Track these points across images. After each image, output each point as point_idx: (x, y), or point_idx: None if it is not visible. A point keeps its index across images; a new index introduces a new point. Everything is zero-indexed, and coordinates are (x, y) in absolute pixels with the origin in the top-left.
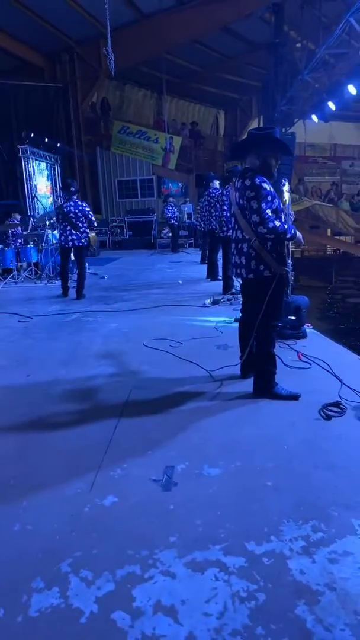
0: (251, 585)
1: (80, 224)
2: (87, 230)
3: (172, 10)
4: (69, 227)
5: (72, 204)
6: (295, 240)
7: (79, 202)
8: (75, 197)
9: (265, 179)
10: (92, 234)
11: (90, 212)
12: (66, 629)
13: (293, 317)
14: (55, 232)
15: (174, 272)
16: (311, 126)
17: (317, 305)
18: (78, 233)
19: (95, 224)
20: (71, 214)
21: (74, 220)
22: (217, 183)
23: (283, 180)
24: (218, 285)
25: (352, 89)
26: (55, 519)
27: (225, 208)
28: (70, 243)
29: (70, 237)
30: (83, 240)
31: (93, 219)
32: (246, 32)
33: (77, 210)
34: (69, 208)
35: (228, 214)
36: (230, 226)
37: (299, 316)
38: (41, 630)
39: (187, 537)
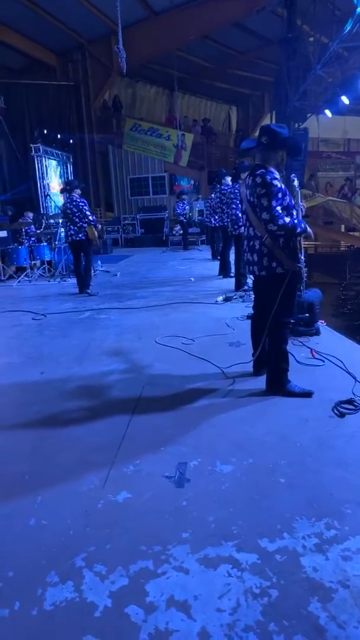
0: (264, 582)
1: (77, 219)
2: (85, 225)
3: (184, 7)
4: (68, 223)
5: (69, 200)
6: (306, 234)
7: (75, 197)
8: (74, 193)
9: (276, 176)
10: (90, 229)
11: (86, 207)
12: (80, 622)
13: (306, 315)
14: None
15: (186, 269)
16: (324, 121)
17: (331, 301)
18: (75, 228)
19: (91, 217)
20: (68, 210)
21: (70, 215)
22: (228, 180)
23: (292, 176)
24: (230, 283)
25: None
26: (69, 514)
27: (235, 206)
28: (70, 238)
29: (69, 233)
30: (80, 235)
31: (88, 213)
32: (258, 27)
33: (71, 206)
34: (66, 205)
35: (238, 212)
36: (240, 223)
37: (312, 313)
38: (56, 623)
39: (200, 533)
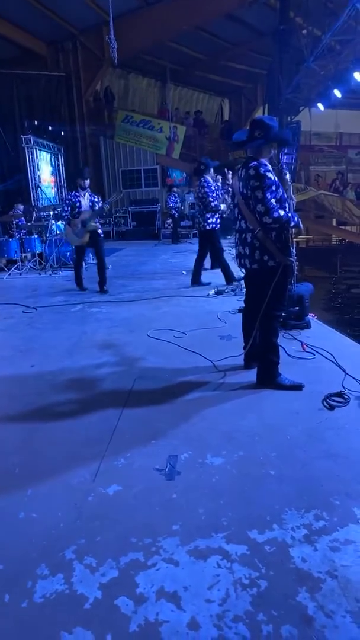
0: (253, 573)
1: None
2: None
3: None
4: None
5: None
6: (297, 227)
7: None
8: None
9: (270, 169)
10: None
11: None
12: (71, 614)
13: (297, 308)
14: (60, 222)
15: (178, 262)
16: (317, 114)
17: (322, 295)
18: None
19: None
20: None
21: None
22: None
23: (284, 170)
24: (222, 276)
25: (358, 76)
26: (59, 507)
27: (200, 203)
28: None
29: None
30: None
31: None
32: (251, 18)
33: None
34: None
35: (201, 207)
36: (206, 220)
37: (302, 307)
38: (46, 615)
39: (190, 525)
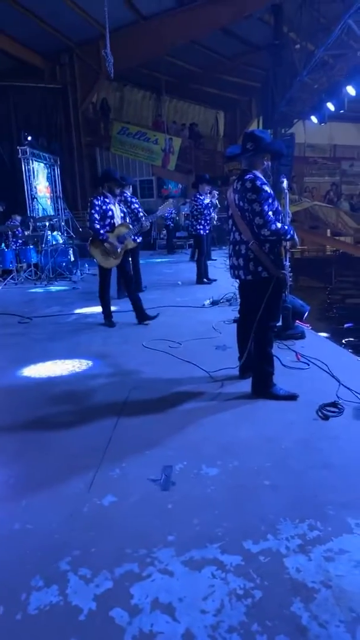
0: (248, 583)
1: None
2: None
3: (172, 12)
4: None
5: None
6: (293, 241)
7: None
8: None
9: (266, 181)
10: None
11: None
12: (65, 626)
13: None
14: (55, 233)
15: (173, 273)
16: (311, 127)
17: (317, 305)
18: None
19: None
20: None
21: None
22: (206, 188)
23: (281, 178)
24: (217, 287)
25: (351, 90)
26: (54, 518)
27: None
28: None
29: None
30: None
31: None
32: (245, 33)
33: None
34: None
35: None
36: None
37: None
38: (40, 628)
39: (185, 536)
